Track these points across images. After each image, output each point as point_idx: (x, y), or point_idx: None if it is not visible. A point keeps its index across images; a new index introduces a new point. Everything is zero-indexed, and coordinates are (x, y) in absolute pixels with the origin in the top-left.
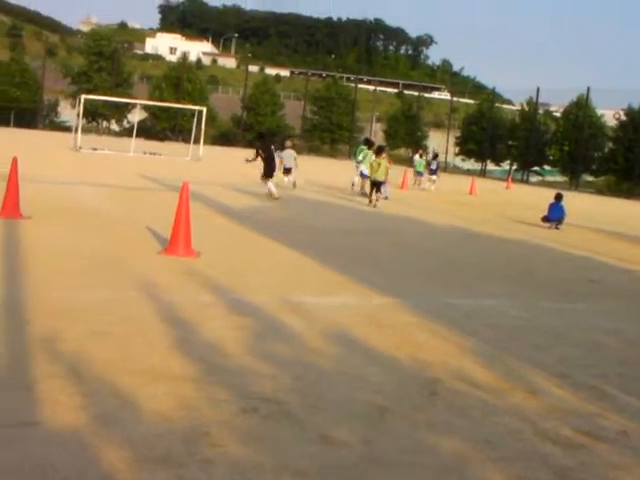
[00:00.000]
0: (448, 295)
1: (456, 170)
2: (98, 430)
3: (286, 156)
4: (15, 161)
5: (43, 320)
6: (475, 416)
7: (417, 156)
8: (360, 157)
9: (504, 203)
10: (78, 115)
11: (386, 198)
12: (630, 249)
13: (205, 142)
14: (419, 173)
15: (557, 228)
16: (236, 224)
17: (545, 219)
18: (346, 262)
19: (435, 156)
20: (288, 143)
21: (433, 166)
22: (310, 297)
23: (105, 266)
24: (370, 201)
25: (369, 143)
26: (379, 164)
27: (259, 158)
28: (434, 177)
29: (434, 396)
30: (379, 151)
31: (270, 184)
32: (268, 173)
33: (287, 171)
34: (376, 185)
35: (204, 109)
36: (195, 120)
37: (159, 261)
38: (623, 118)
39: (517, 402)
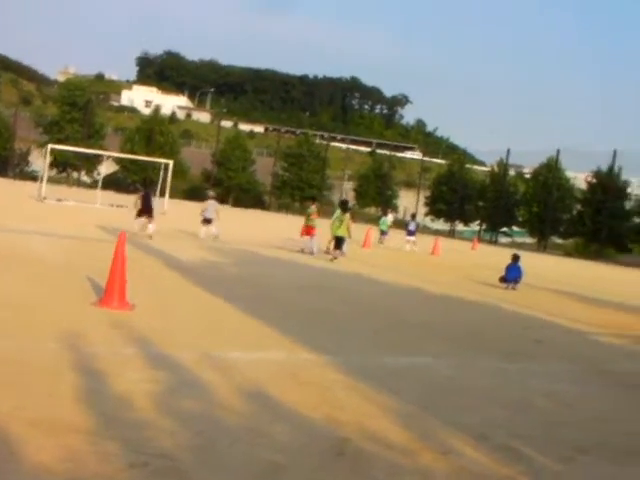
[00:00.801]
0: (383, 354)
1: (425, 230)
2: None
3: (208, 207)
4: None
5: None
6: (379, 477)
7: (390, 216)
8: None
9: (467, 264)
10: (45, 165)
11: (312, 253)
12: (587, 311)
13: (175, 196)
14: (383, 232)
15: (514, 289)
16: (182, 278)
17: (502, 279)
18: (287, 318)
19: (412, 216)
20: (211, 194)
21: (411, 227)
22: (236, 352)
23: (32, 315)
24: (332, 258)
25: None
26: (341, 221)
27: (138, 202)
28: (412, 238)
29: (340, 456)
30: (343, 208)
31: (137, 221)
32: (140, 213)
33: (207, 221)
34: (337, 241)
35: (170, 162)
36: (161, 173)
37: (90, 312)
38: (592, 181)
39: (426, 463)
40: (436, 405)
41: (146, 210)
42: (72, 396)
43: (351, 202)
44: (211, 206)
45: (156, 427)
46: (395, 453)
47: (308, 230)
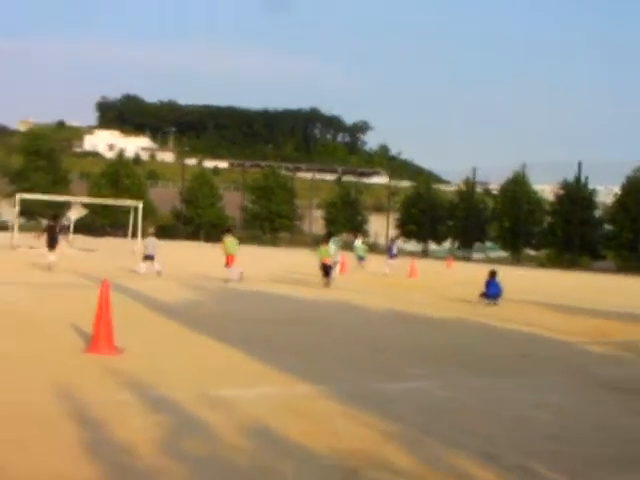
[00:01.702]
0: (375, 380)
1: (399, 252)
2: None
3: (148, 244)
4: None
5: None
6: None
7: (358, 241)
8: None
9: (445, 283)
10: (16, 214)
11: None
12: (567, 321)
13: (144, 236)
14: (360, 257)
15: (495, 304)
16: (166, 318)
17: (483, 295)
18: (274, 352)
19: (392, 240)
20: (150, 231)
21: (394, 250)
22: (231, 390)
23: (21, 367)
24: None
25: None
26: (324, 250)
27: (45, 234)
28: (393, 262)
29: None
30: (325, 239)
31: (50, 255)
32: (49, 245)
33: (148, 258)
34: (324, 269)
35: (140, 204)
36: (131, 215)
37: (79, 360)
38: (560, 192)
39: None
40: (437, 428)
41: (51, 243)
42: (75, 448)
43: (321, 230)
44: (151, 243)
45: (166, 474)
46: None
47: (229, 259)
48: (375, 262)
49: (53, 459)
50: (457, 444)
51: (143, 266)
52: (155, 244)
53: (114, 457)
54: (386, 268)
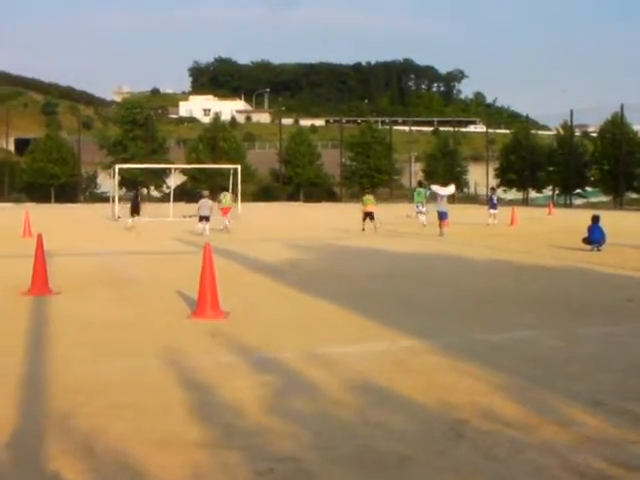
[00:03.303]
0: (480, 331)
1: (499, 201)
2: None
3: (202, 205)
4: (40, 238)
5: (62, 395)
6: (501, 456)
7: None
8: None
9: (546, 230)
10: (115, 185)
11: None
12: None
13: (245, 199)
14: (419, 204)
15: (599, 250)
16: (268, 280)
17: (586, 241)
18: (376, 307)
19: (493, 190)
20: (204, 193)
21: (494, 200)
22: (336, 347)
23: (130, 335)
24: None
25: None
26: (367, 198)
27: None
28: (495, 211)
29: (460, 438)
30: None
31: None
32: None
33: (203, 218)
34: (366, 215)
35: (239, 167)
36: (231, 179)
37: (186, 325)
38: None
39: (547, 437)
40: (545, 377)
41: (134, 211)
42: (185, 411)
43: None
44: (205, 204)
45: (274, 431)
46: (514, 430)
47: (225, 210)
48: (474, 212)
49: (163, 422)
50: (565, 392)
51: (200, 226)
52: (209, 205)
53: (222, 418)
54: (489, 219)
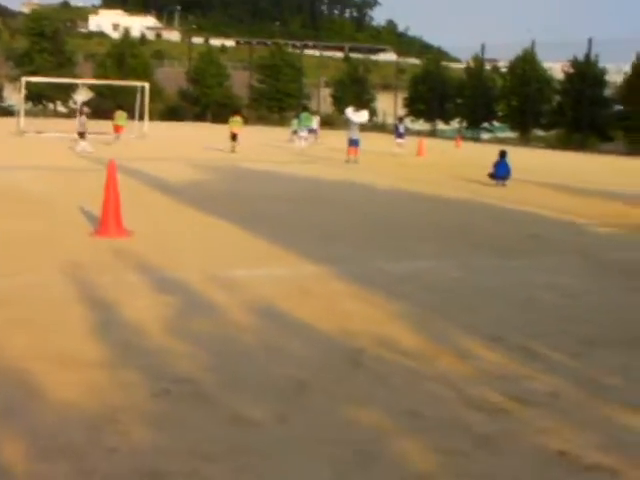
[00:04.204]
0: (383, 259)
1: (407, 131)
2: None
3: (81, 122)
4: None
5: None
6: (399, 385)
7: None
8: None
9: (453, 162)
10: (21, 99)
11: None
12: (576, 202)
13: (152, 118)
14: (295, 132)
15: (503, 185)
16: (173, 200)
17: (491, 176)
18: (280, 232)
19: (400, 119)
20: (85, 110)
21: (401, 129)
22: (240, 270)
23: (32, 250)
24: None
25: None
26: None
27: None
28: (402, 140)
29: (358, 367)
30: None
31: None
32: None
33: (81, 135)
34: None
35: (147, 85)
36: (138, 96)
37: (89, 243)
38: (570, 70)
39: (444, 368)
40: (444, 307)
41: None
42: (84, 328)
43: (330, 108)
44: (81, 121)
45: (173, 352)
46: (412, 360)
47: (117, 128)
48: (382, 141)
49: (62, 339)
50: (464, 324)
51: (83, 144)
52: (82, 122)
53: (122, 336)
54: (395, 148)
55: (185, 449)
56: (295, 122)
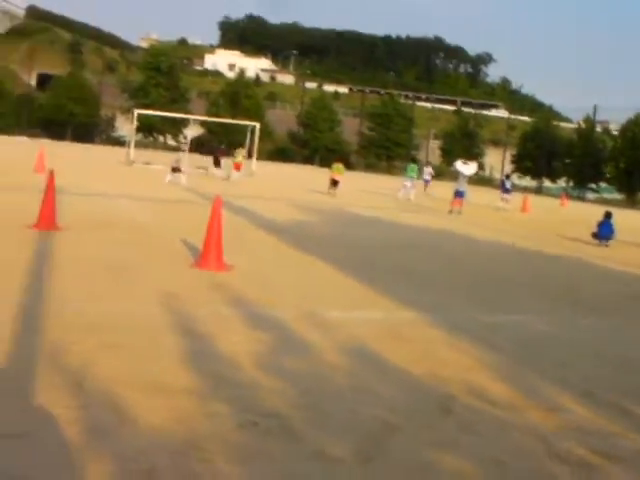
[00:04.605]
0: (479, 311)
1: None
2: (87, 444)
3: (179, 158)
4: (52, 173)
5: (57, 332)
6: (486, 434)
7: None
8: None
9: (557, 220)
10: (132, 130)
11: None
12: None
13: (261, 157)
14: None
15: (606, 245)
16: (275, 238)
17: (594, 236)
18: (380, 277)
19: (507, 176)
20: (182, 147)
21: (508, 185)
22: (335, 311)
23: (132, 279)
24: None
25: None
26: (336, 167)
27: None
28: (508, 196)
29: (447, 413)
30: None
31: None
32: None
33: (175, 170)
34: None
35: (257, 125)
36: (248, 135)
37: (188, 274)
38: None
39: (533, 420)
40: (536, 361)
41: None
42: (178, 358)
43: (438, 160)
44: (180, 157)
45: (263, 387)
46: (501, 410)
47: (236, 166)
48: (487, 195)
49: (154, 366)
50: (555, 378)
51: (176, 176)
52: (178, 158)
53: (213, 368)
54: (499, 202)
55: None
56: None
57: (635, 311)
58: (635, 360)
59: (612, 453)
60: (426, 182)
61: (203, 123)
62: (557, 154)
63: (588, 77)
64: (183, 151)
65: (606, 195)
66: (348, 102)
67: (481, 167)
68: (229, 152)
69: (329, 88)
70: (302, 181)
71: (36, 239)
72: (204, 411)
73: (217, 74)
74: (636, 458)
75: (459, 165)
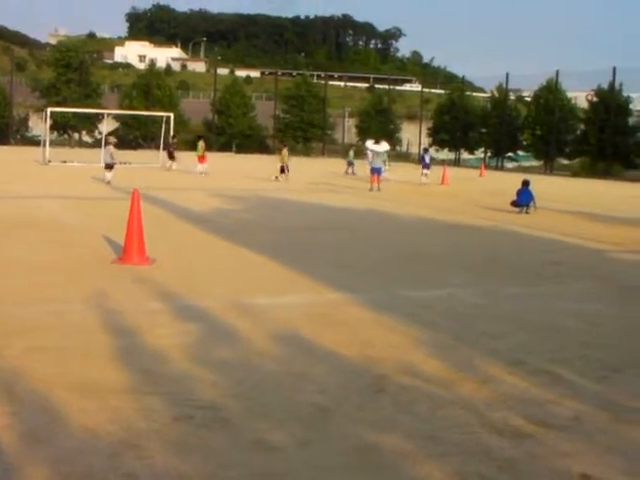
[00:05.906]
0: (407, 287)
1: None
2: (21, 449)
3: (105, 152)
4: None
5: None
6: (420, 411)
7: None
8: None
9: (477, 191)
10: (46, 129)
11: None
12: (601, 229)
13: (178, 148)
14: (350, 163)
15: (527, 212)
16: (196, 228)
17: (514, 204)
18: (304, 260)
19: (425, 150)
20: (111, 139)
21: (427, 159)
22: (262, 298)
23: (56, 279)
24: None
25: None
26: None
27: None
28: (427, 171)
29: (380, 393)
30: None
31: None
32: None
33: (107, 167)
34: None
35: (171, 115)
36: (163, 127)
37: (112, 270)
38: (594, 99)
39: (466, 393)
40: (467, 334)
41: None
42: (107, 355)
43: (354, 139)
44: (107, 151)
45: (196, 379)
46: (434, 386)
47: (200, 159)
48: (406, 170)
49: (86, 365)
50: (486, 350)
51: (108, 175)
52: (109, 152)
53: (144, 363)
54: (422, 178)
55: (205, 474)
56: (351, 154)
57: (559, 278)
58: (564, 327)
59: (547, 421)
60: (349, 164)
61: (117, 117)
62: (472, 125)
63: (498, 46)
64: (112, 144)
65: (524, 163)
66: (261, 86)
67: (397, 143)
68: (175, 144)
69: (241, 73)
70: (220, 168)
71: None
72: (138, 408)
73: (128, 66)
74: (571, 425)
75: (370, 145)
